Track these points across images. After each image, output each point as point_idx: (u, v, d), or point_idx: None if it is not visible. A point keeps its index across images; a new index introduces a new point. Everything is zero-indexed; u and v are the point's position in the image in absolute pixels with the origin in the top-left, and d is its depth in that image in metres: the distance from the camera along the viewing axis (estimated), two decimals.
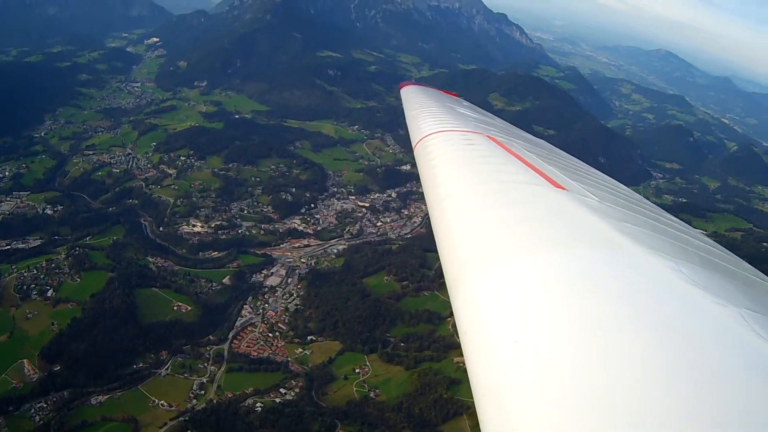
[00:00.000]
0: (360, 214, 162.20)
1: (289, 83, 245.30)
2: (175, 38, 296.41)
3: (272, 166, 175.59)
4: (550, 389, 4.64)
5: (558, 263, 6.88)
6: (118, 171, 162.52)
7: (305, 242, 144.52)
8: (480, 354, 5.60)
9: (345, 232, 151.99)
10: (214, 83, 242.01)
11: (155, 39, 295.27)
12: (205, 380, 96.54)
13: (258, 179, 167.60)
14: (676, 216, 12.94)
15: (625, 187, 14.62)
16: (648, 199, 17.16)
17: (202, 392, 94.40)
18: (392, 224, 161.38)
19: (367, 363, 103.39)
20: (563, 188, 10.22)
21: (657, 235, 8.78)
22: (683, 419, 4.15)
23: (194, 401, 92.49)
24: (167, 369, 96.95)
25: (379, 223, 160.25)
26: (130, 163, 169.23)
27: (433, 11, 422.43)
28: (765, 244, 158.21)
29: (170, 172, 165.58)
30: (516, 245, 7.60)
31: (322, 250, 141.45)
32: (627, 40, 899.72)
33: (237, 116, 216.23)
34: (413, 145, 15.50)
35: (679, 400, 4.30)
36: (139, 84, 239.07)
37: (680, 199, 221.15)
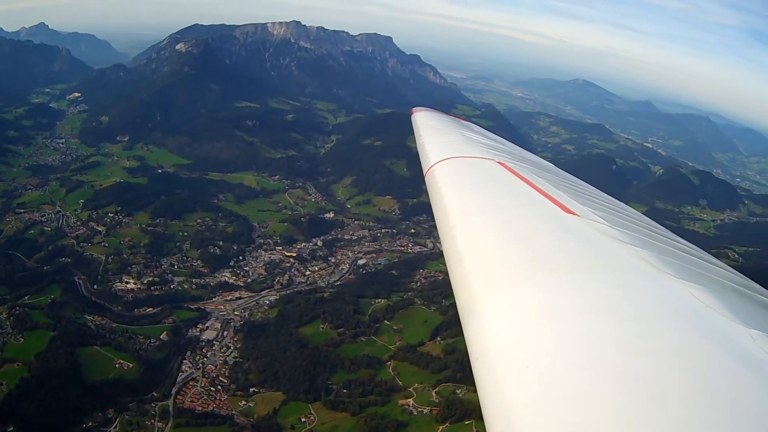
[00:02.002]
0: (288, 264, 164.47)
1: (209, 135, 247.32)
2: (95, 93, 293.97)
3: (198, 220, 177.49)
4: (564, 415, 4.84)
5: (570, 288, 7.26)
6: (49, 229, 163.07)
7: (237, 295, 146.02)
8: (492, 380, 5.77)
9: (275, 282, 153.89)
10: (135, 138, 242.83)
11: (77, 94, 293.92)
12: None
13: (185, 234, 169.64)
14: None
15: (635, 211, 15.51)
16: None
17: None
18: (321, 272, 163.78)
19: (312, 411, 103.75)
20: (574, 213, 10.60)
21: (667, 258, 8.96)
22: None
23: None
24: (116, 427, 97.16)
25: (307, 272, 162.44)
26: (61, 220, 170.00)
27: (346, 56, 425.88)
28: None
29: (100, 229, 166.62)
30: (527, 271, 7.92)
31: (255, 302, 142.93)
32: (542, 73, 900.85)
33: (160, 171, 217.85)
34: (424, 171, 15.70)
35: (693, 421, 4.57)
36: (63, 140, 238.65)
37: None
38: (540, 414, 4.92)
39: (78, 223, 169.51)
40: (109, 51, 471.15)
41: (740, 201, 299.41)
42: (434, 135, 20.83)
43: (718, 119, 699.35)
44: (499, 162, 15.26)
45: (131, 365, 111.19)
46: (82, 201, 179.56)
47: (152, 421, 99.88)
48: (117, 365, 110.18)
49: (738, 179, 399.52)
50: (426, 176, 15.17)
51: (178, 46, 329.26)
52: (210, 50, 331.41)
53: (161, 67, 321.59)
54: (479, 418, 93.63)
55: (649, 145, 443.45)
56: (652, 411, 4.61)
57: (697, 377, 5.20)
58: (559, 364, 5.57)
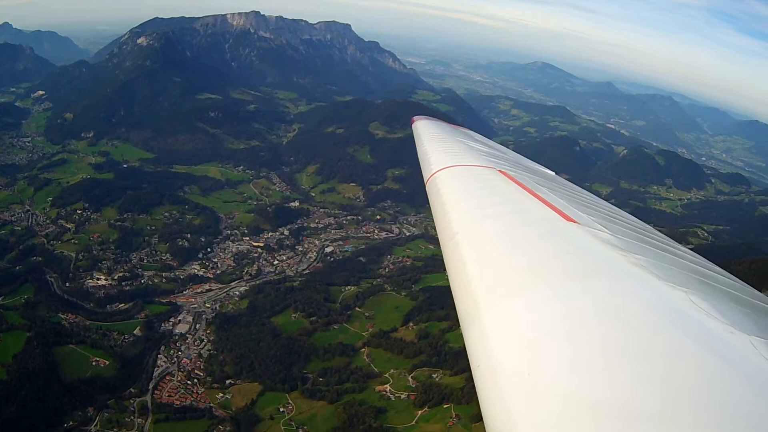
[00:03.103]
0: (256, 254, 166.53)
1: (172, 128, 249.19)
2: (59, 90, 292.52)
3: (165, 214, 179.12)
4: (564, 422, 4.91)
5: (570, 295, 7.22)
6: (19, 229, 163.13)
7: (207, 287, 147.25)
8: (493, 387, 5.77)
9: (244, 273, 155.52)
10: (100, 133, 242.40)
11: (41, 92, 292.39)
12: None
13: (153, 227, 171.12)
14: None
15: (634, 218, 15.35)
16: None
17: None
18: (289, 261, 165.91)
19: (290, 401, 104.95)
20: (574, 221, 10.53)
21: (667, 265, 9.04)
22: None
23: None
24: (96, 426, 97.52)
25: (276, 262, 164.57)
26: (30, 219, 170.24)
27: (305, 45, 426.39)
28: None
29: (69, 226, 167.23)
30: (528, 279, 7.91)
31: (225, 293, 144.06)
32: (500, 56, 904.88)
33: (125, 165, 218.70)
34: (425, 180, 15.68)
35: (694, 428, 4.60)
36: (29, 139, 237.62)
37: None
38: (541, 421, 5.08)
39: (47, 221, 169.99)
40: (72, 48, 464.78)
41: (707, 180, 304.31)
42: (435, 143, 20.86)
43: (681, 99, 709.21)
44: (500, 170, 15.34)
45: (107, 362, 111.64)
46: (51, 199, 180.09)
47: (132, 417, 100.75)
48: (93, 363, 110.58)
49: (703, 158, 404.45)
50: (427, 184, 15.32)
51: (139, 41, 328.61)
52: (171, 43, 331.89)
53: (123, 61, 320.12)
54: (457, 401, 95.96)
55: (612, 126, 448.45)
56: (655, 419, 4.74)
57: (698, 384, 5.26)
58: (559, 371, 5.66)
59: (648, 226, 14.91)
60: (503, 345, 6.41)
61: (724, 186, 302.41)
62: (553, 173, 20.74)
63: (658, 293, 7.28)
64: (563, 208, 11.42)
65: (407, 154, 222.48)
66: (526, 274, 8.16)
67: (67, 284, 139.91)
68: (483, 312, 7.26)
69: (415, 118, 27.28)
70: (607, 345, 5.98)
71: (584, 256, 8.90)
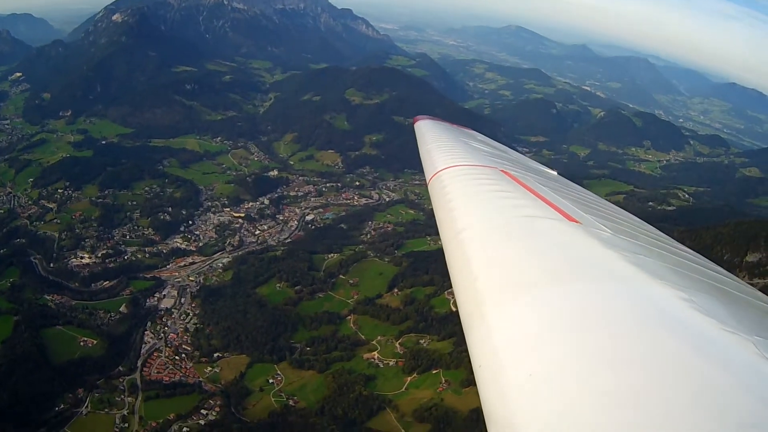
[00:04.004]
0: (237, 225, 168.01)
1: (150, 102, 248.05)
2: (36, 71, 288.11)
3: (146, 188, 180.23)
4: (565, 423, 4.87)
5: (572, 296, 7.18)
6: (2, 212, 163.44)
7: (190, 260, 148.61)
8: (495, 388, 5.75)
9: (226, 244, 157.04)
10: (78, 111, 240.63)
11: (18, 74, 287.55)
12: (126, 412, 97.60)
13: (134, 203, 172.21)
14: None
15: (637, 218, 14.99)
16: None
17: (126, 425, 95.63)
18: (270, 231, 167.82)
19: (279, 372, 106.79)
20: (577, 221, 10.48)
21: (669, 266, 9.01)
22: None
23: None
24: (87, 407, 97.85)
25: (257, 232, 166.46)
26: (12, 201, 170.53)
27: (279, 14, 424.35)
28: (651, 203, 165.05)
29: (51, 206, 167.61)
30: (530, 279, 7.83)
31: (208, 266, 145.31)
32: (474, 20, 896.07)
33: (104, 142, 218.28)
34: (427, 179, 15.49)
35: (697, 430, 4.56)
36: (8, 121, 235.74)
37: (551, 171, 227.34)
38: (542, 422, 5.06)
39: (29, 202, 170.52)
40: (47, 28, 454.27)
41: (685, 141, 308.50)
42: (438, 143, 20.31)
43: (657, 61, 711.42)
44: (502, 170, 15.11)
45: (95, 342, 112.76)
46: (32, 180, 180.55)
47: (122, 396, 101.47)
48: (81, 343, 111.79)
49: (681, 120, 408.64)
50: (430, 183, 15.03)
51: (114, 17, 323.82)
52: (145, 18, 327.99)
53: (99, 39, 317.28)
54: (446, 367, 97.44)
55: (588, 89, 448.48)
56: (658, 420, 4.72)
57: (701, 385, 5.24)
58: (561, 372, 5.64)
59: (650, 226, 14.63)
60: (505, 345, 6.39)
61: (704, 148, 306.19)
62: (555, 173, 20.51)
63: (660, 294, 7.27)
64: (565, 208, 11.47)
65: (384, 120, 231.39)
66: (527, 274, 8.12)
67: (52, 265, 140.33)
68: (485, 312, 7.20)
69: (417, 117, 26.99)
70: (609, 346, 6.01)
71: (586, 256, 8.87)
